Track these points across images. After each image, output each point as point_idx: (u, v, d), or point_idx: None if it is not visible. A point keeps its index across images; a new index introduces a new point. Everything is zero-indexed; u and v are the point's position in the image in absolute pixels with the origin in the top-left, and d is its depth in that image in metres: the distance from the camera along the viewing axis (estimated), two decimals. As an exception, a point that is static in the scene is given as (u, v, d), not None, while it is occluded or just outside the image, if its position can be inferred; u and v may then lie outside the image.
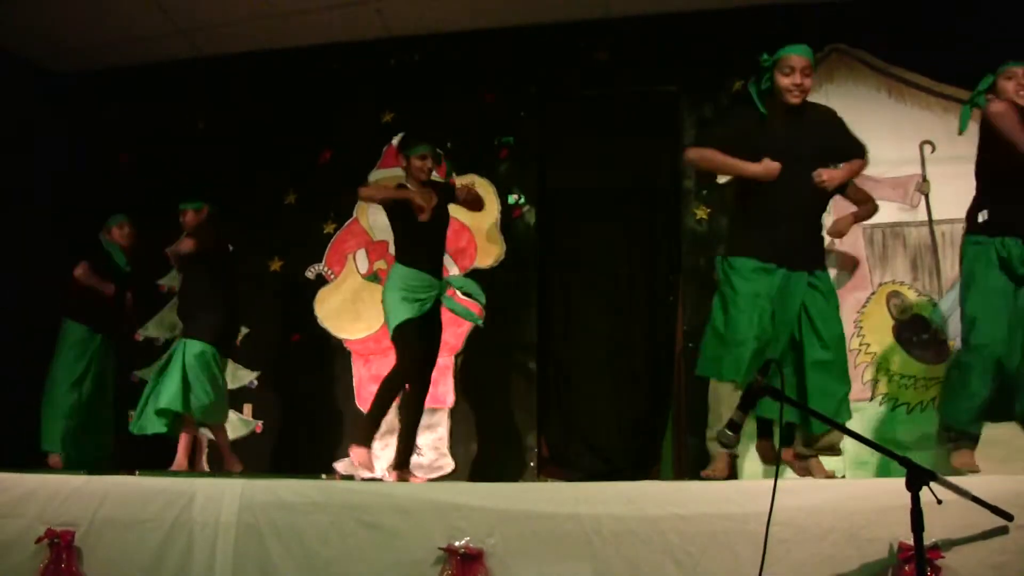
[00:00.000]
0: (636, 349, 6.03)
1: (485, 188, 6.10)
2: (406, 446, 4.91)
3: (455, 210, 5.20)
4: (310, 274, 6.32)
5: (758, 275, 3.86)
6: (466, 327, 5.85)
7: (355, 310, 6.20)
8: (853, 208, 4.44)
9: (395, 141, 5.73)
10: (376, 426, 4.87)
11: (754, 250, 3.89)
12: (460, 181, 5.58)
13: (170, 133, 6.65)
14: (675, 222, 5.92)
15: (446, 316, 5.11)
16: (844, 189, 4.25)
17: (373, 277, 6.20)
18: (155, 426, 5.23)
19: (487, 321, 5.47)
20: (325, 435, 6.03)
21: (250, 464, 5.75)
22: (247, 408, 6.16)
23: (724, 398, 3.82)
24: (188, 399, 5.20)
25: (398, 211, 4.90)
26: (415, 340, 4.83)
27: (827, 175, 3.89)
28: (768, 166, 3.81)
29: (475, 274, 6.00)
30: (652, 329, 6.04)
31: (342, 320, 6.21)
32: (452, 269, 5.87)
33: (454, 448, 5.84)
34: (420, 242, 4.94)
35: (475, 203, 5.10)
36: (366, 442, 4.84)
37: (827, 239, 4.29)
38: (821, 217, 4.12)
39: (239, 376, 6.11)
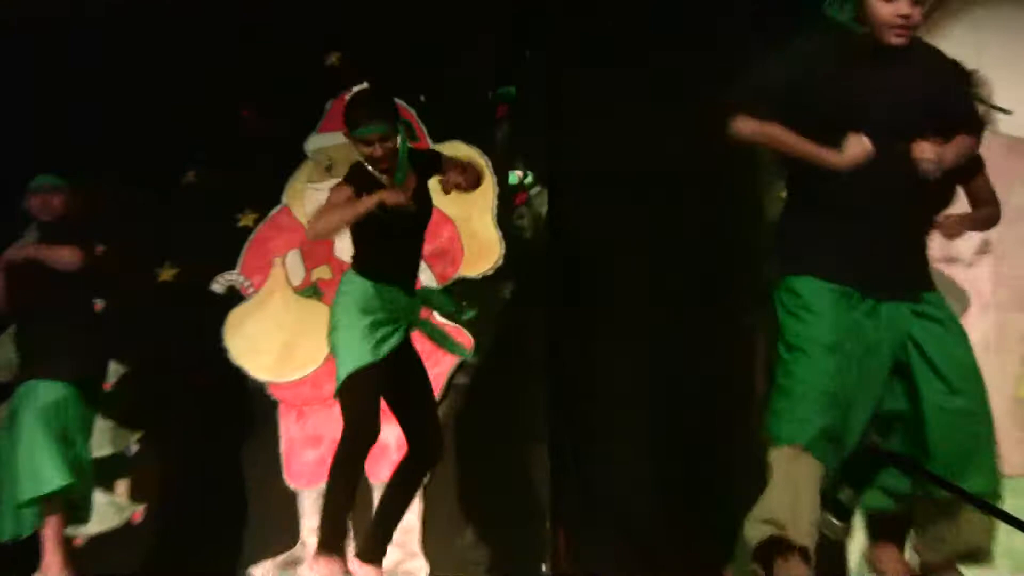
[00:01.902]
0: (687, 392, 5.02)
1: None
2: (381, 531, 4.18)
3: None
4: (218, 287, 5.48)
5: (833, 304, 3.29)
6: (447, 364, 4.94)
7: (284, 339, 5.35)
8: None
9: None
10: (343, 522, 3.98)
11: (824, 268, 3.27)
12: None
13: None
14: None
15: (422, 348, 4.17)
16: (964, 176, 3.66)
17: (311, 291, 5.36)
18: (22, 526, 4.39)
19: (481, 359, 4.76)
20: (236, 527, 5.14)
21: (125, 568, 4.95)
22: (121, 486, 5.29)
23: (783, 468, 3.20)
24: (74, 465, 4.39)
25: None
26: (371, 395, 3.90)
27: (932, 152, 3.15)
28: (855, 151, 3.08)
29: (460, 285, 5.17)
30: (714, 363, 5.04)
31: (265, 354, 5.36)
32: (426, 279, 5.01)
33: (428, 543, 4.97)
34: (387, 241, 4.02)
35: (473, 183, 4.15)
36: (335, 549, 3.91)
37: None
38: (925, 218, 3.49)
39: (111, 438, 5.22)
